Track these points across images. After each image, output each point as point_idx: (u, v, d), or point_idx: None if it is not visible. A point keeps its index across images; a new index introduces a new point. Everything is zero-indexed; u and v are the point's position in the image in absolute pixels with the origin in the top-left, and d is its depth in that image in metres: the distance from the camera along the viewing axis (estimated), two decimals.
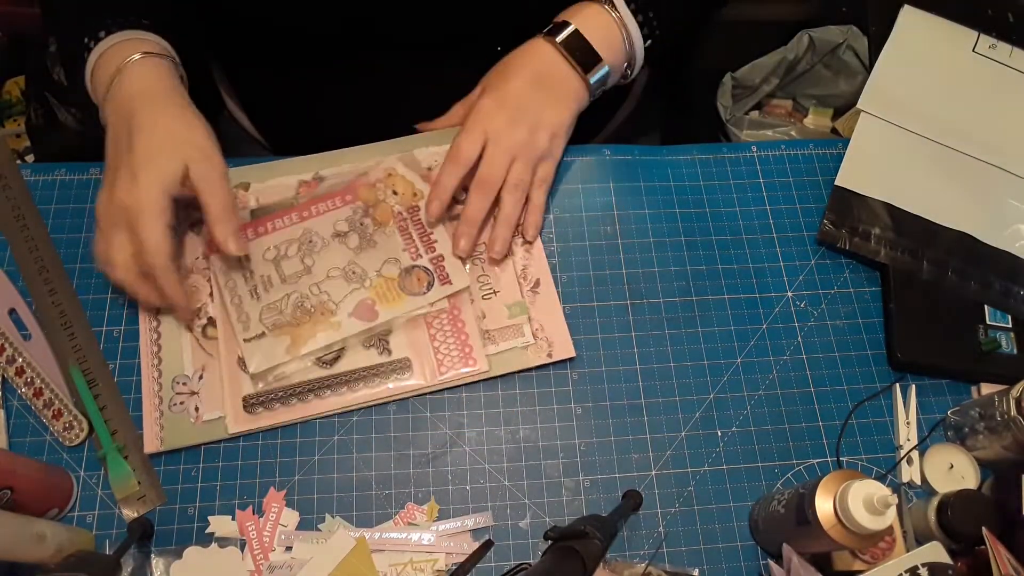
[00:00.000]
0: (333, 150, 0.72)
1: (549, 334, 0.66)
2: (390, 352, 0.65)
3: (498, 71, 0.70)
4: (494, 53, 0.71)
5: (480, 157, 0.67)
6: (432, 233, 0.69)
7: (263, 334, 0.64)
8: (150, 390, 0.63)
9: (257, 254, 0.67)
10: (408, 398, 0.65)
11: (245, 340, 0.63)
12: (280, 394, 0.63)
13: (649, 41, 0.70)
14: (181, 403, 0.62)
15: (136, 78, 0.61)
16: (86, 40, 0.63)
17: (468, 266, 0.68)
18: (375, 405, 0.64)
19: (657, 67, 0.77)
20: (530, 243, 0.70)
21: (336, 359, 0.64)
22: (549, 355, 0.65)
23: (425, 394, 0.65)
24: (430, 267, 0.67)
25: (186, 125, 0.61)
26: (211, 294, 0.66)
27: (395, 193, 0.70)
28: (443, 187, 0.67)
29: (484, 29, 0.72)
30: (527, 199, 0.69)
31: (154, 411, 0.62)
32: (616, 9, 0.68)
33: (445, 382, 0.64)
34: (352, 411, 0.64)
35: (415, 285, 0.66)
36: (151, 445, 0.61)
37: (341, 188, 0.71)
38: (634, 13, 0.69)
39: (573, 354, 0.66)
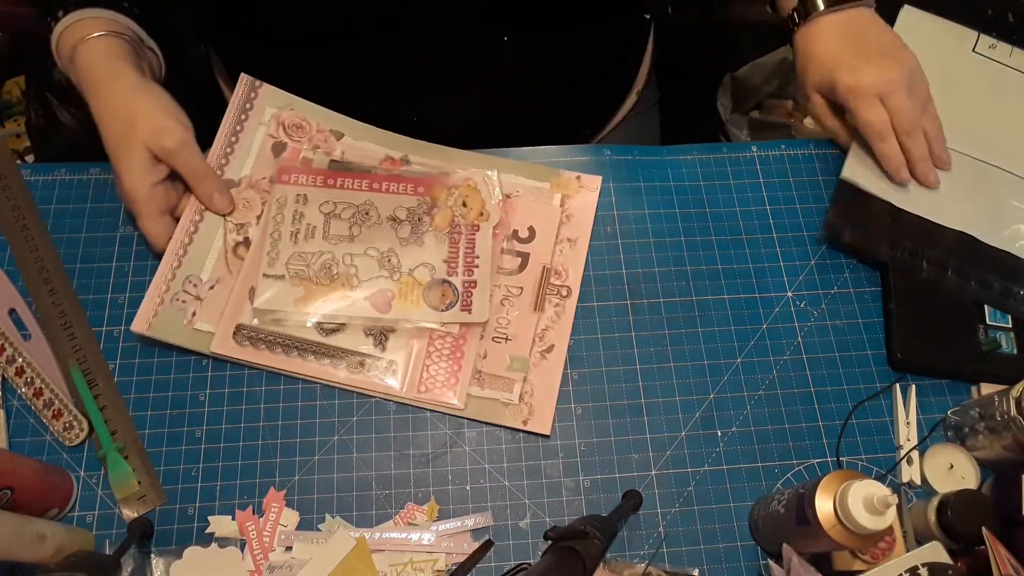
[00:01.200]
0: (435, 143, 0.73)
1: (535, 402, 0.65)
2: (384, 349, 0.65)
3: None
4: (503, 41, 0.71)
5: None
6: (478, 257, 0.68)
7: (283, 276, 0.65)
8: (163, 276, 0.64)
9: (315, 202, 0.68)
10: (378, 398, 0.65)
11: (265, 275, 0.65)
12: (271, 338, 0.64)
13: None
14: (183, 302, 0.64)
15: (84, 60, 0.63)
16: (48, 20, 0.64)
17: (499, 303, 0.67)
18: (371, 398, 0.64)
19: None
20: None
21: (334, 331, 0.65)
22: (524, 422, 0.64)
23: (394, 401, 0.65)
24: (459, 288, 0.66)
25: (136, 106, 0.62)
26: (259, 216, 0.67)
27: (464, 204, 0.70)
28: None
29: (493, 15, 0.71)
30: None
31: (156, 296, 0.64)
32: None
33: (419, 400, 0.64)
34: (352, 411, 0.64)
35: (437, 299, 0.66)
36: (140, 325, 0.63)
37: (418, 177, 0.71)
38: None
39: (547, 432, 0.64)
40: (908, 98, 0.68)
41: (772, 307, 0.70)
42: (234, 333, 0.64)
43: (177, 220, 0.66)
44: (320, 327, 0.65)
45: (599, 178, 0.73)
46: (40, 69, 1.18)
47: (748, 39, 1.30)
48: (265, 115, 0.72)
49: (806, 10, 0.71)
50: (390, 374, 0.64)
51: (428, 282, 0.67)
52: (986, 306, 0.70)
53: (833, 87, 0.70)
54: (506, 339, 0.66)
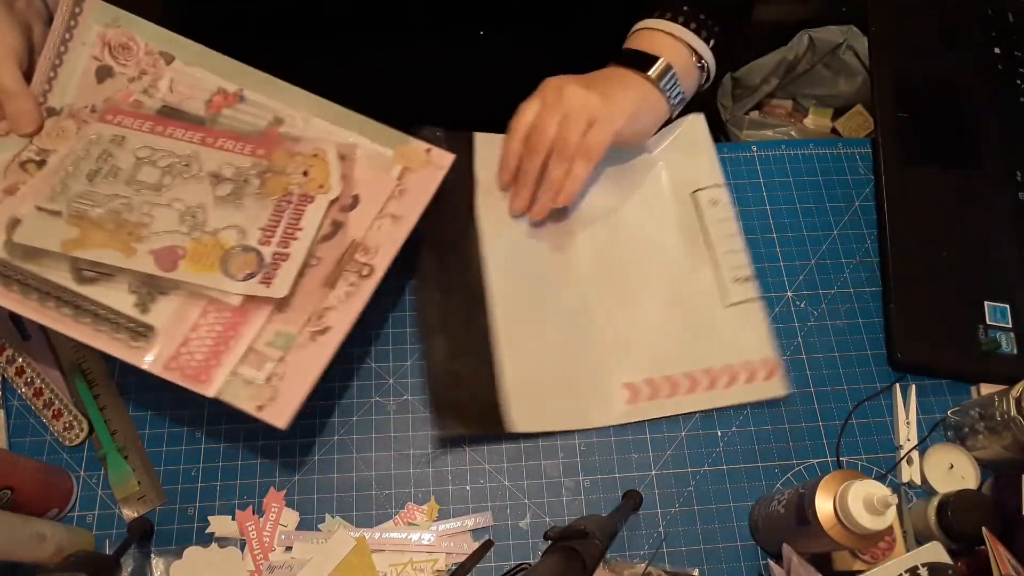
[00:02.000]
0: (271, 75, 0.65)
1: (282, 387, 0.55)
2: (145, 311, 0.57)
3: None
4: (494, 38, 0.71)
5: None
6: (300, 230, 0.60)
7: (59, 213, 0.58)
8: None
9: (132, 145, 0.62)
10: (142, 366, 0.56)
11: (39, 207, 0.58)
12: (24, 279, 0.56)
13: (712, 41, 0.69)
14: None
15: None
16: None
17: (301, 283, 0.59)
18: (369, 399, 0.64)
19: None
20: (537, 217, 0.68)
21: (93, 281, 0.57)
22: (259, 408, 0.54)
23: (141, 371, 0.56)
24: (267, 260, 0.58)
25: None
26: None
27: (305, 174, 0.62)
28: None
29: (486, 12, 0.71)
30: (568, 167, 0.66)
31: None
32: (681, 34, 0.68)
33: (165, 375, 0.55)
34: (352, 411, 0.64)
35: (238, 267, 0.58)
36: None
37: (258, 136, 0.63)
38: (693, 30, 0.68)
39: (283, 425, 0.53)
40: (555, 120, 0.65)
41: (772, 307, 0.70)
42: None
43: None
44: (79, 273, 0.57)
45: (451, 156, 0.64)
46: None
47: (748, 39, 1.30)
48: (90, 33, 0.64)
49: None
50: (142, 341, 0.56)
51: (232, 247, 0.58)
52: (986, 306, 0.70)
53: None
54: (279, 310, 0.58)
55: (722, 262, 0.69)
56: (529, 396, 0.63)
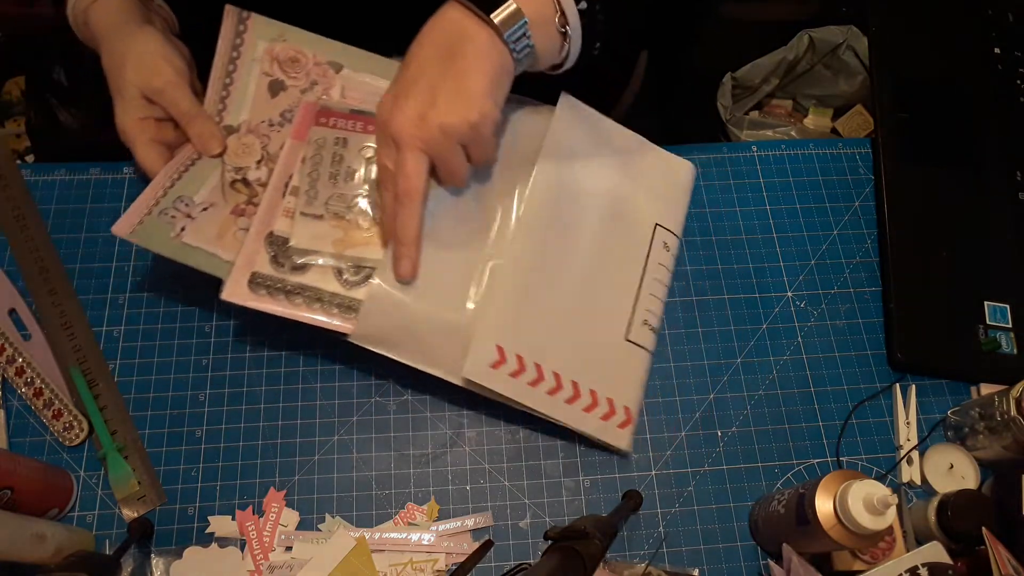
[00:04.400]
0: None
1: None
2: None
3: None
4: None
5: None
6: None
7: (322, 216, 0.61)
8: (153, 192, 0.61)
9: (355, 145, 0.64)
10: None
11: (302, 213, 0.61)
12: (291, 288, 0.59)
13: (584, 3, 0.58)
14: (172, 217, 0.61)
15: (94, 18, 0.64)
16: None
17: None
18: (370, 398, 0.64)
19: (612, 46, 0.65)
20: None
21: (358, 284, 0.60)
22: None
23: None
24: None
25: (129, 49, 0.62)
26: (259, 161, 0.65)
27: None
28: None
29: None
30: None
31: (144, 208, 0.60)
32: None
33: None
34: (352, 411, 0.64)
35: None
36: (122, 228, 0.59)
37: None
38: None
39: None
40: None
41: (772, 307, 0.70)
42: (249, 281, 0.59)
43: (173, 155, 0.64)
44: (343, 278, 0.60)
45: None
46: (40, 69, 1.18)
47: (748, 39, 1.30)
48: (258, 50, 0.67)
49: None
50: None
51: None
52: (986, 306, 0.70)
53: None
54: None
55: (642, 300, 0.66)
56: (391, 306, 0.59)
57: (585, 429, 0.62)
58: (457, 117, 0.54)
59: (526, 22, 0.55)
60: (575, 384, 0.62)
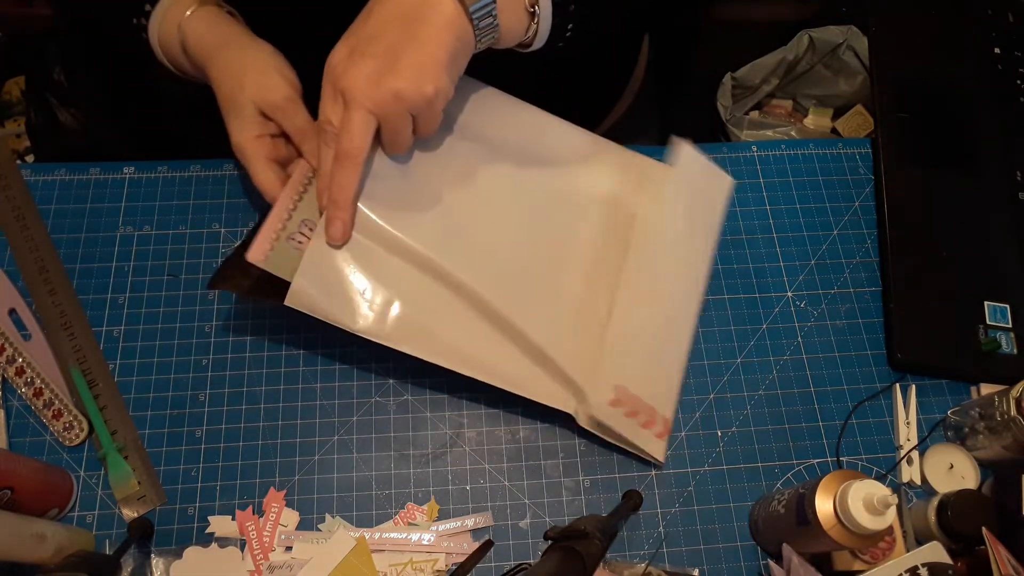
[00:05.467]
0: None
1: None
2: None
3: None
4: None
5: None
6: None
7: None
8: (279, 216, 0.59)
9: None
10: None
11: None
12: None
13: None
14: (299, 242, 0.59)
15: (193, 36, 0.61)
16: (136, 21, 0.62)
17: None
18: (370, 398, 0.65)
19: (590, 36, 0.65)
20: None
21: None
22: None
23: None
24: None
25: (245, 64, 0.60)
26: None
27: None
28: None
29: None
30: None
31: (273, 232, 0.59)
32: None
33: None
34: (352, 411, 0.64)
35: None
36: (257, 255, 0.57)
37: None
38: None
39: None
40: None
41: (772, 307, 0.70)
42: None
43: (290, 175, 0.62)
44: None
45: None
46: (40, 69, 1.18)
47: (748, 39, 1.30)
48: None
49: None
50: None
51: None
52: (986, 306, 0.70)
53: None
54: None
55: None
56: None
57: (624, 433, 0.62)
58: (414, 85, 0.52)
59: (494, 1, 0.53)
60: (620, 388, 0.62)
